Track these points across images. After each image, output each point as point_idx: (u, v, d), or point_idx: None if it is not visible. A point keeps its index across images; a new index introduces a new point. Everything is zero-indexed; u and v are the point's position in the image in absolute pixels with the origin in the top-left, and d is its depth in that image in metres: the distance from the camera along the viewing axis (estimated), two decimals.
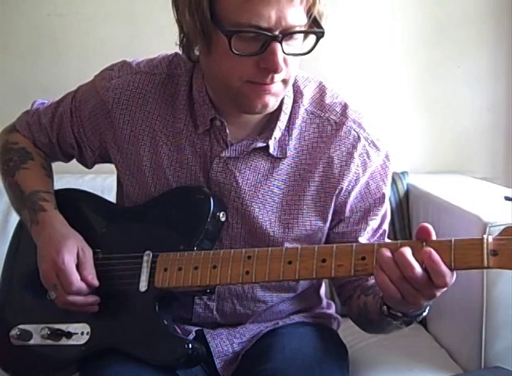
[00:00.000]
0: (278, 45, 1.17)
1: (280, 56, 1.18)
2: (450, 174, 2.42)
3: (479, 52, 2.45)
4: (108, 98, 1.41)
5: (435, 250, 1.09)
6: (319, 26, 1.22)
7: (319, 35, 1.21)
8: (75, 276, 1.32)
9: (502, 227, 1.09)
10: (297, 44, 1.21)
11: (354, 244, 1.19)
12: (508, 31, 2.43)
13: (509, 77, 2.45)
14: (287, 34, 1.18)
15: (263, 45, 1.17)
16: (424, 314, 1.23)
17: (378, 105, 2.39)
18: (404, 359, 1.71)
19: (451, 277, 1.10)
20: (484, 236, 1.08)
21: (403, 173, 2.25)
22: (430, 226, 1.13)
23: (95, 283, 1.34)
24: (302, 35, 1.22)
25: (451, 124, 2.47)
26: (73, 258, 1.33)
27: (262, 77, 1.21)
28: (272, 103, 1.26)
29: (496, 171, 2.47)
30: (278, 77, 1.22)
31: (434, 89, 2.45)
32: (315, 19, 1.21)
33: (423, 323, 2.03)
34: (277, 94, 1.26)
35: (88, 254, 1.36)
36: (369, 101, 2.34)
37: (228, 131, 1.34)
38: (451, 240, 1.10)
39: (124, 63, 1.45)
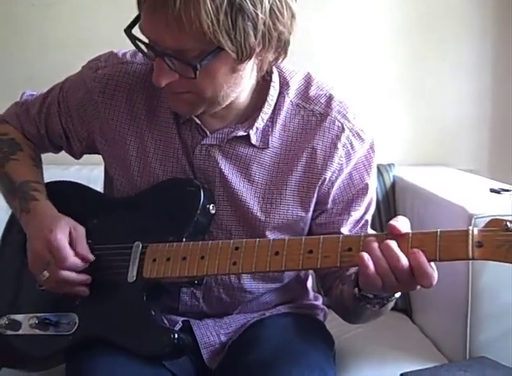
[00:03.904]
0: (160, 59, 1.19)
1: (160, 70, 1.20)
2: (436, 166, 2.43)
3: (464, 45, 2.46)
4: (94, 88, 1.41)
5: (421, 247, 1.10)
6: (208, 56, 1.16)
7: (192, 67, 1.17)
8: (69, 251, 1.32)
9: (488, 219, 1.09)
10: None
11: (340, 236, 1.20)
12: (492, 24, 2.44)
13: (494, 69, 2.46)
14: (165, 54, 1.18)
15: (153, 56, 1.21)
16: (397, 295, 1.23)
17: (364, 98, 2.39)
18: (390, 349, 1.72)
19: (435, 278, 1.11)
20: (470, 228, 1.08)
21: (389, 165, 2.26)
22: (395, 223, 1.13)
23: (90, 257, 1.34)
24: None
25: (437, 116, 2.48)
26: (66, 236, 1.33)
27: None
28: (185, 109, 1.30)
29: (482, 164, 2.48)
30: (173, 88, 1.23)
31: (419, 82, 2.46)
32: (219, 48, 1.15)
33: (409, 313, 2.05)
34: (190, 103, 1.27)
35: (81, 231, 1.36)
36: (356, 94, 2.31)
37: (199, 120, 1.35)
38: (436, 232, 1.10)
39: (110, 54, 1.45)
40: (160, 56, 1.19)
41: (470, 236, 1.07)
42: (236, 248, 1.24)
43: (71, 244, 1.34)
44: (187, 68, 1.18)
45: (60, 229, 1.33)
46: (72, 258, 1.32)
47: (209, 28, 1.12)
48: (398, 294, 1.23)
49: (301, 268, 1.21)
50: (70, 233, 1.34)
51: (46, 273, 1.33)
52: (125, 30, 1.21)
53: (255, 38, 1.17)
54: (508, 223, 1.06)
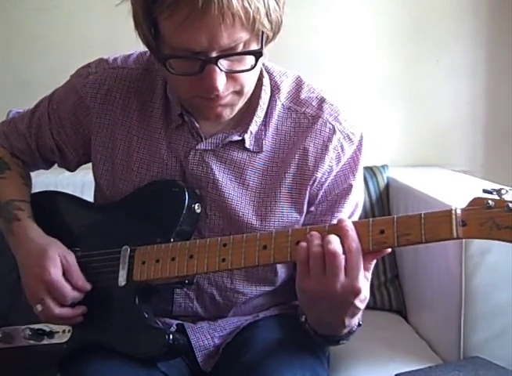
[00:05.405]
0: (213, 66, 1.16)
1: (218, 76, 1.16)
2: (430, 167, 2.44)
3: (458, 46, 2.46)
4: (86, 94, 1.42)
5: (406, 230, 1.10)
6: (262, 43, 1.18)
7: (257, 56, 1.18)
8: (67, 288, 1.32)
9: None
10: (242, 58, 1.19)
11: (326, 225, 1.19)
12: (486, 25, 2.45)
13: (488, 70, 2.47)
14: (222, 56, 1.15)
15: (200, 66, 1.17)
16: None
17: (358, 99, 2.40)
18: (384, 350, 1.72)
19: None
20: (453, 207, 1.09)
21: (383, 166, 2.26)
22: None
23: (87, 286, 1.34)
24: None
25: (430, 117, 2.48)
26: (59, 270, 1.33)
27: (207, 93, 1.20)
28: (227, 113, 1.27)
29: (475, 165, 2.49)
30: (224, 93, 1.20)
31: (413, 83, 2.47)
32: (262, 34, 1.17)
33: (404, 314, 2.05)
34: (231, 104, 1.26)
35: (71, 259, 1.36)
36: (349, 95, 2.36)
37: (198, 125, 1.35)
38: (420, 214, 1.11)
39: (100, 60, 1.45)
40: (213, 61, 1.15)
41: (454, 216, 1.08)
42: (224, 245, 1.24)
43: (65, 275, 1.33)
44: (242, 61, 1.17)
45: (52, 263, 1.32)
46: (71, 294, 1.32)
47: (259, 13, 1.12)
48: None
49: (289, 260, 1.20)
50: (61, 263, 1.34)
51: (39, 307, 1.33)
52: (162, 62, 1.19)
53: (280, 13, 1.18)
54: (489, 201, 1.07)
